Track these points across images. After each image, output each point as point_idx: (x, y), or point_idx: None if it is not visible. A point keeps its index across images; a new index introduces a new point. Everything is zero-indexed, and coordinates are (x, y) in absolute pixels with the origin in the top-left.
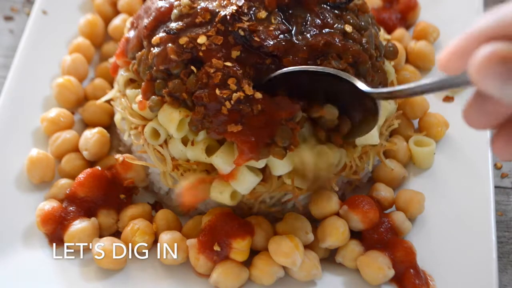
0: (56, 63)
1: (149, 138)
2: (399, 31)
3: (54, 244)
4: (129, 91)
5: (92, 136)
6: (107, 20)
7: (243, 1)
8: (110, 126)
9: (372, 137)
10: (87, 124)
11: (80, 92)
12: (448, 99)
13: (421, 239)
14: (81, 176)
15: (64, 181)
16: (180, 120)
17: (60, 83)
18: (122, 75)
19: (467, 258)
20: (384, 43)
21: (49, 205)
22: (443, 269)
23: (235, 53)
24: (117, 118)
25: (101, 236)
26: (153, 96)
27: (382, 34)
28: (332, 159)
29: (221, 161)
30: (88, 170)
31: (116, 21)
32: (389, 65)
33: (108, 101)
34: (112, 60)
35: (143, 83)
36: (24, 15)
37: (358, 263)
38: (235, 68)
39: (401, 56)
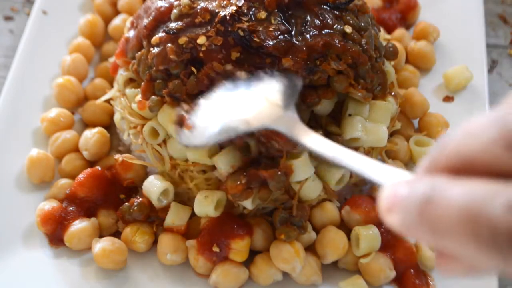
0: (56, 63)
1: (148, 137)
2: (399, 31)
3: (54, 244)
4: (128, 91)
5: (92, 136)
6: (107, 20)
7: (242, 1)
8: (110, 126)
9: (380, 140)
10: (87, 124)
11: (80, 92)
12: (448, 99)
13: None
14: (81, 176)
15: (64, 181)
16: None
17: (60, 83)
18: (122, 74)
19: None
20: (384, 43)
21: (49, 205)
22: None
23: (234, 55)
24: (116, 117)
25: (101, 236)
26: (153, 96)
27: (382, 34)
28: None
29: (224, 162)
30: (88, 170)
31: (116, 21)
32: (389, 66)
33: (108, 101)
34: (112, 59)
35: (142, 83)
36: (24, 15)
37: (359, 264)
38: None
39: (401, 56)
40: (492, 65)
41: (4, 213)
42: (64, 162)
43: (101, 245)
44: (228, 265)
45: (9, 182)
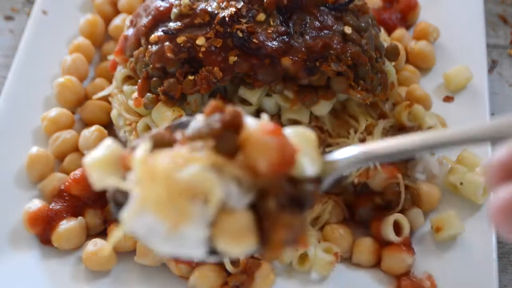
0: (56, 63)
1: (142, 133)
2: (399, 31)
3: (46, 244)
4: (126, 88)
5: (91, 135)
6: (107, 20)
7: (242, 3)
8: (108, 125)
9: None
10: (86, 124)
11: (81, 92)
12: (448, 99)
13: (422, 239)
14: (77, 172)
15: (59, 175)
16: (173, 120)
17: (61, 83)
18: (120, 71)
19: (467, 258)
20: (385, 43)
21: (34, 206)
22: (443, 269)
23: (232, 59)
24: (113, 114)
25: (88, 236)
26: (148, 94)
27: (383, 35)
28: None
29: None
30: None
31: (117, 21)
32: (389, 65)
33: (108, 100)
34: (111, 57)
35: (139, 81)
36: (24, 15)
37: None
38: None
39: (401, 56)
40: (492, 65)
41: (2, 211)
42: (66, 162)
43: (89, 246)
44: (207, 267)
45: (9, 180)
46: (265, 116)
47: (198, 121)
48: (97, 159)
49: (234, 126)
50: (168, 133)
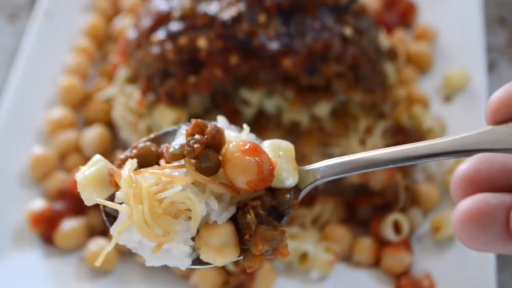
0: (59, 64)
1: (144, 134)
2: (399, 33)
3: (49, 243)
4: (127, 88)
5: (92, 134)
6: (108, 20)
7: (243, 5)
8: (110, 124)
9: None
10: (89, 123)
11: (83, 92)
12: (447, 99)
13: (421, 239)
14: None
15: (61, 176)
16: (175, 121)
17: (63, 83)
18: (122, 72)
19: (466, 257)
20: (384, 44)
21: (38, 205)
22: (442, 268)
23: (233, 60)
24: (115, 114)
25: (91, 235)
26: (150, 94)
27: (382, 36)
28: None
29: None
30: None
31: (119, 22)
32: (389, 67)
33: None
34: (113, 58)
35: (141, 81)
36: (27, 16)
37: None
38: None
39: (401, 57)
40: (491, 66)
41: (4, 210)
42: (69, 161)
43: (91, 245)
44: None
45: (11, 180)
46: (246, 129)
47: (181, 137)
48: (87, 177)
49: (214, 145)
50: (154, 146)
